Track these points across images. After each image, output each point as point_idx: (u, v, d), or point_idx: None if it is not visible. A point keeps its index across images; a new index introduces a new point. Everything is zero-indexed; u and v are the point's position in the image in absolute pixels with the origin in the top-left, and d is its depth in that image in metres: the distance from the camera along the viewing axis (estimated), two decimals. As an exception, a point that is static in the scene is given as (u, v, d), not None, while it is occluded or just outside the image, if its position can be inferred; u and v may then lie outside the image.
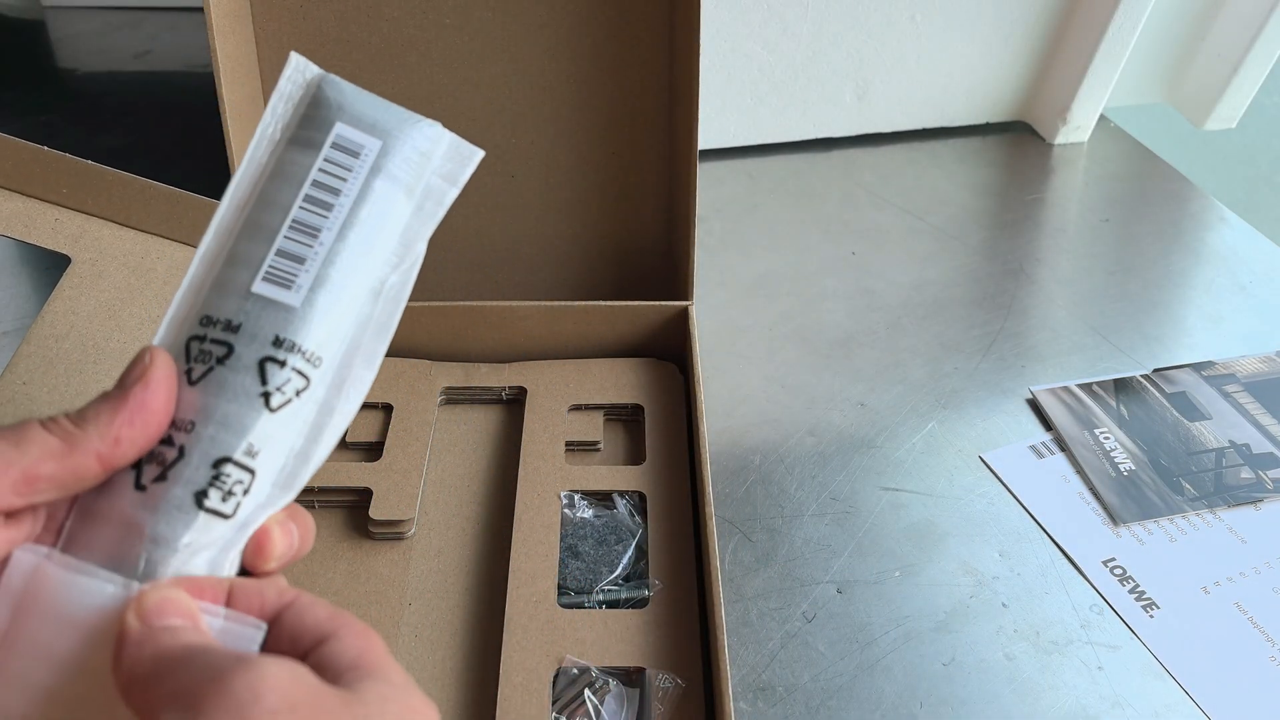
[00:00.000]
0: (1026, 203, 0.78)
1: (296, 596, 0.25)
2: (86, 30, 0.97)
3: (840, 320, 0.65)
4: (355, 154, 0.27)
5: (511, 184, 0.57)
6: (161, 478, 0.25)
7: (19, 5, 1.00)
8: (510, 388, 0.54)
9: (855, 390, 0.60)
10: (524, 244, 0.59)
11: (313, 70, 0.28)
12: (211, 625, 0.24)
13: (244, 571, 0.27)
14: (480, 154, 0.30)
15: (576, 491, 0.48)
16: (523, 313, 0.54)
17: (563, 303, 0.54)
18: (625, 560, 0.46)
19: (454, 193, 0.29)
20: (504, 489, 0.50)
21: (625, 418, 0.54)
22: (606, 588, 0.45)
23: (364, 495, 0.48)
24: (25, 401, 0.41)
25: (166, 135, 0.82)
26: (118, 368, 0.42)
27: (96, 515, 0.25)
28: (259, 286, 0.26)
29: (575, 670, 0.41)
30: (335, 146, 0.27)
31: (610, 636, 0.42)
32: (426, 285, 0.60)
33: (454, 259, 0.59)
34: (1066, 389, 0.59)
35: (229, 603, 0.25)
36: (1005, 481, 0.54)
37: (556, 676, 0.41)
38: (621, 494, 0.48)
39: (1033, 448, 0.56)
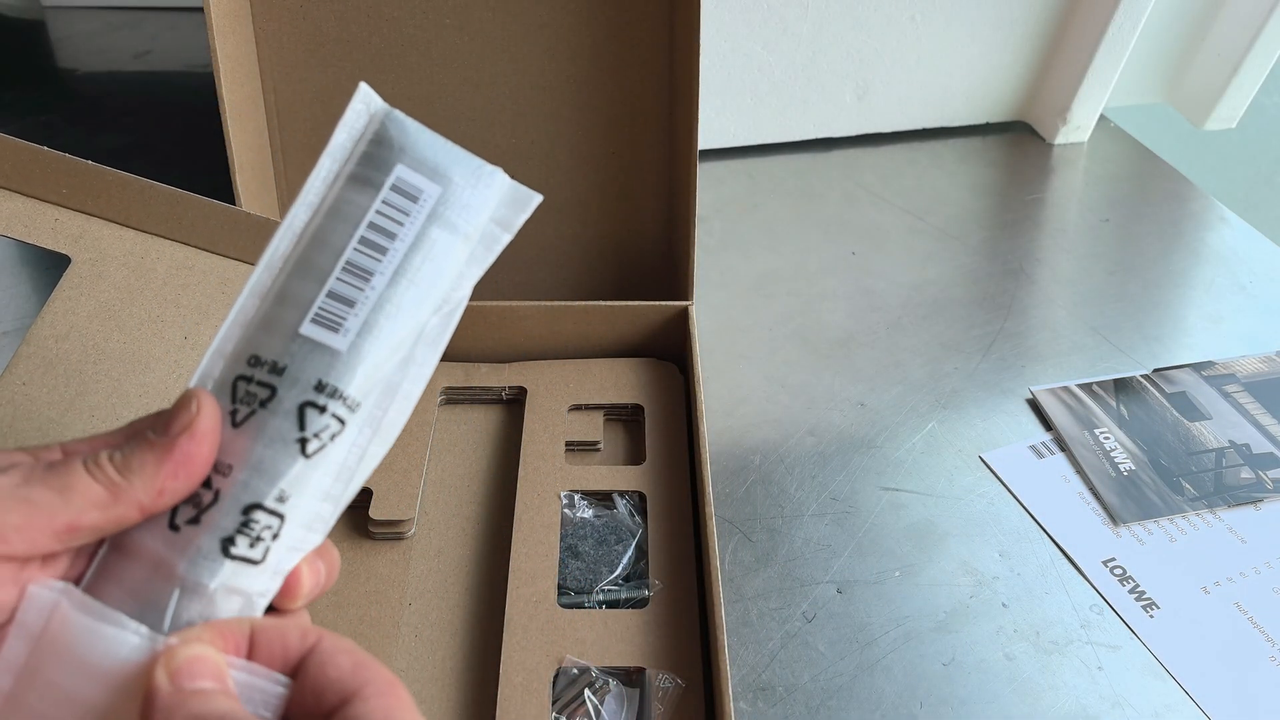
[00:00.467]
0: (1026, 203, 0.78)
1: (319, 640, 0.24)
2: (86, 30, 0.97)
3: (840, 320, 0.65)
4: (414, 198, 0.27)
5: (511, 184, 0.57)
6: (195, 520, 0.25)
7: (19, 5, 1.00)
8: (510, 388, 0.54)
9: (855, 390, 0.60)
10: (524, 244, 0.59)
11: (377, 103, 0.28)
12: (235, 679, 0.24)
13: (270, 607, 0.27)
14: (538, 199, 0.29)
15: (576, 491, 0.48)
16: (523, 313, 0.54)
17: (563, 303, 0.54)
18: (625, 560, 0.46)
19: (507, 238, 0.29)
20: (504, 489, 0.50)
21: (625, 418, 0.54)
22: (606, 588, 0.45)
23: (364, 495, 0.48)
24: (25, 402, 0.41)
25: (166, 135, 0.82)
26: (118, 368, 0.42)
27: (127, 552, 0.25)
28: (307, 329, 0.26)
29: (575, 670, 0.41)
30: (395, 189, 0.27)
31: (610, 636, 0.42)
32: (426, 285, 0.60)
33: (454, 259, 0.59)
34: (1066, 389, 0.59)
35: (251, 650, 0.24)
36: (1005, 481, 0.54)
37: (556, 676, 0.41)
38: (621, 494, 0.48)
39: (1033, 448, 0.56)
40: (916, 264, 0.71)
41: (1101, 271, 0.70)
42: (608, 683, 0.41)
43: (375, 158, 0.27)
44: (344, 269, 0.26)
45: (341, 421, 0.26)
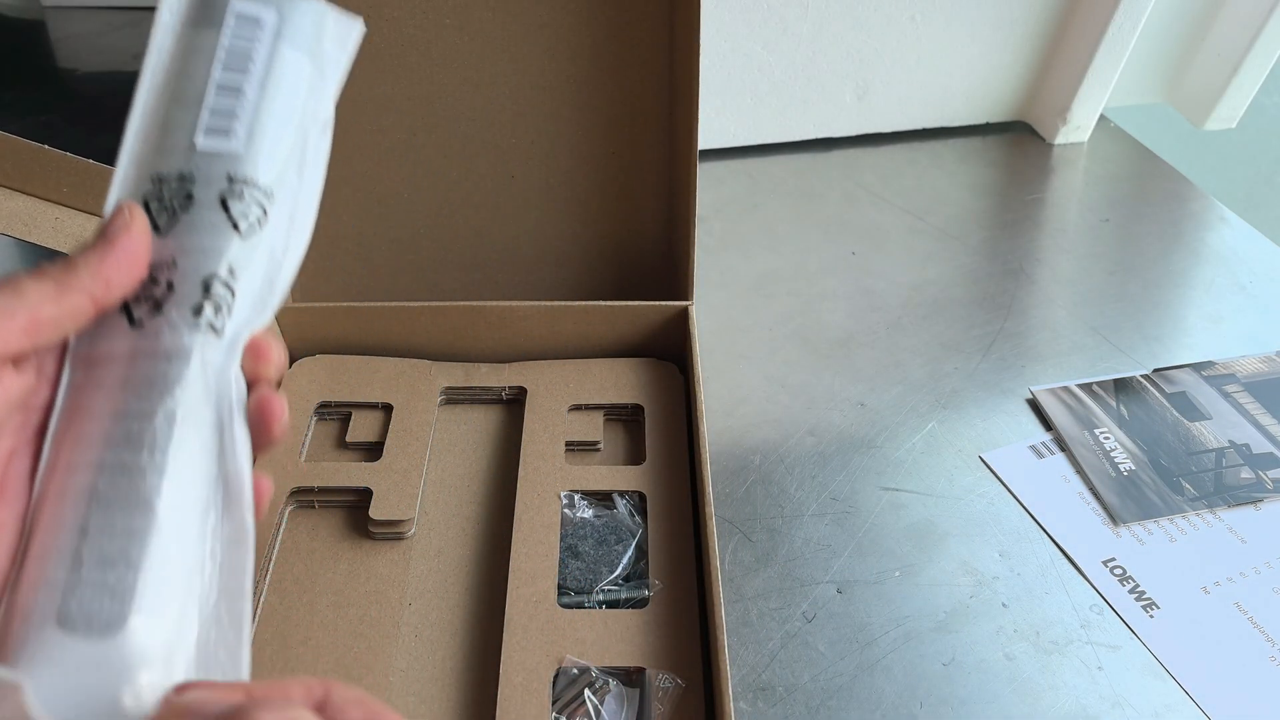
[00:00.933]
0: (1026, 203, 0.78)
1: (328, 693, 0.24)
2: (86, 30, 0.97)
3: (840, 320, 0.65)
4: (257, 23, 0.29)
5: (511, 184, 0.57)
6: (156, 309, 0.27)
7: (19, 5, 1.00)
8: (510, 388, 0.54)
9: (855, 390, 0.60)
10: (524, 244, 0.59)
11: None
12: None
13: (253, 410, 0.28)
14: (359, 23, 0.32)
15: (576, 491, 0.48)
16: (523, 313, 0.54)
17: (563, 303, 0.54)
18: (625, 560, 0.46)
19: (345, 60, 0.32)
20: (504, 489, 0.50)
21: (625, 418, 0.54)
22: (606, 588, 0.45)
23: (364, 495, 0.48)
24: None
25: (166, 135, 0.82)
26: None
27: (98, 361, 0.26)
28: (202, 141, 0.28)
29: (575, 670, 0.41)
30: (238, 19, 0.29)
31: (610, 636, 0.42)
32: (426, 285, 0.60)
33: (454, 259, 0.59)
34: (1066, 389, 0.59)
35: None
36: (1005, 481, 0.54)
37: (556, 676, 0.41)
38: (621, 494, 0.48)
39: (1033, 448, 0.56)
40: (916, 264, 0.71)
41: (1101, 271, 0.70)
42: (608, 683, 0.41)
43: (209, 1, 0.30)
44: (218, 89, 0.29)
45: (263, 208, 0.28)
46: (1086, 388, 0.60)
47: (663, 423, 0.52)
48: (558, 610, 0.43)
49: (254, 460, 0.28)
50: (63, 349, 0.27)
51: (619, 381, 0.54)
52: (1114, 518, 0.52)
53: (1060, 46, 0.81)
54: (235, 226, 0.28)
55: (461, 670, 0.42)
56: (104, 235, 0.27)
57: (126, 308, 0.27)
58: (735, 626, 0.46)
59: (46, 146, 0.51)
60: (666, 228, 0.59)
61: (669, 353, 0.56)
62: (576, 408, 0.53)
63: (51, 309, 0.25)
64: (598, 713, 0.40)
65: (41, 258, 0.62)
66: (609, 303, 0.54)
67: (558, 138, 0.56)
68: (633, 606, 0.44)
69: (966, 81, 0.82)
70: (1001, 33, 0.79)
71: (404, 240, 0.59)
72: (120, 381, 0.26)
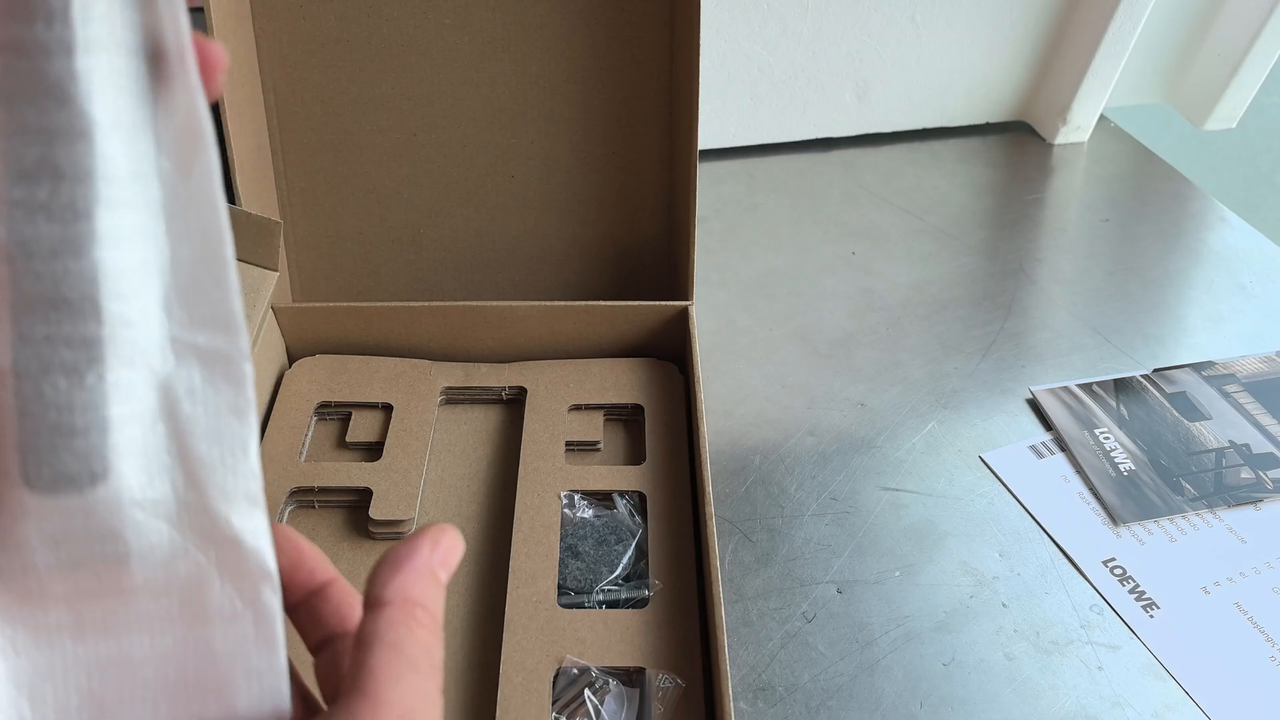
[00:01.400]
0: (1026, 203, 0.78)
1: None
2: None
3: (840, 320, 0.65)
4: None
5: (511, 184, 0.57)
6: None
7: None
8: (510, 388, 0.54)
9: (855, 390, 0.60)
10: (524, 244, 0.59)
11: None
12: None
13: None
14: None
15: (576, 491, 0.48)
16: (523, 313, 0.54)
17: (563, 303, 0.54)
18: (625, 560, 0.46)
19: None
20: (504, 489, 0.50)
21: (625, 418, 0.54)
22: (606, 588, 0.45)
23: (364, 495, 0.48)
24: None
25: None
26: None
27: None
28: None
29: (575, 670, 0.41)
30: None
31: (610, 636, 0.42)
32: (426, 285, 0.60)
33: (454, 259, 0.59)
34: (1066, 389, 0.59)
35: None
36: (1005, 481, 0.54)
37: (556, 676, 0.41)
38: (621, 494, 0.48)
39: (1033, 448, 0.56)
40: (916, 264, 0.71)
41: (1101, 271, 0.70)
42: (608, 683, 0.41)
43: None
44: None
45: None
46: (1086, 388, 0.60)
47: (663, 423, 0.52)
48: (558, 610, 0.43)
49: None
50: None
51: (619, 381, 0.54)
52: (1114, 518, 0.52)
53: (1060, 46, 0.81)
54: None
55: (461, 670, 0.42)
56: None
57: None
58: (735, 626, 0.46)
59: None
60: (666, 228, 0.59)
61: (669, 353, 0.56)
62: (576, 408, 0.53)
63: None
64: (598, 713, 0.40)
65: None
66: (609, 303, 0.54)
67: (558, 138, 0.56)
68: (633, 606, 0.44)
69: (966, 81, 0.82)
70: (1001, 33, 0.79)
71: (404, 240, 0.59)
72: None
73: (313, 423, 0.53)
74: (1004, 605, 0.48)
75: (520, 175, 0.57)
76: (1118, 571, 0.49)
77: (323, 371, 0.54)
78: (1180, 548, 0.50)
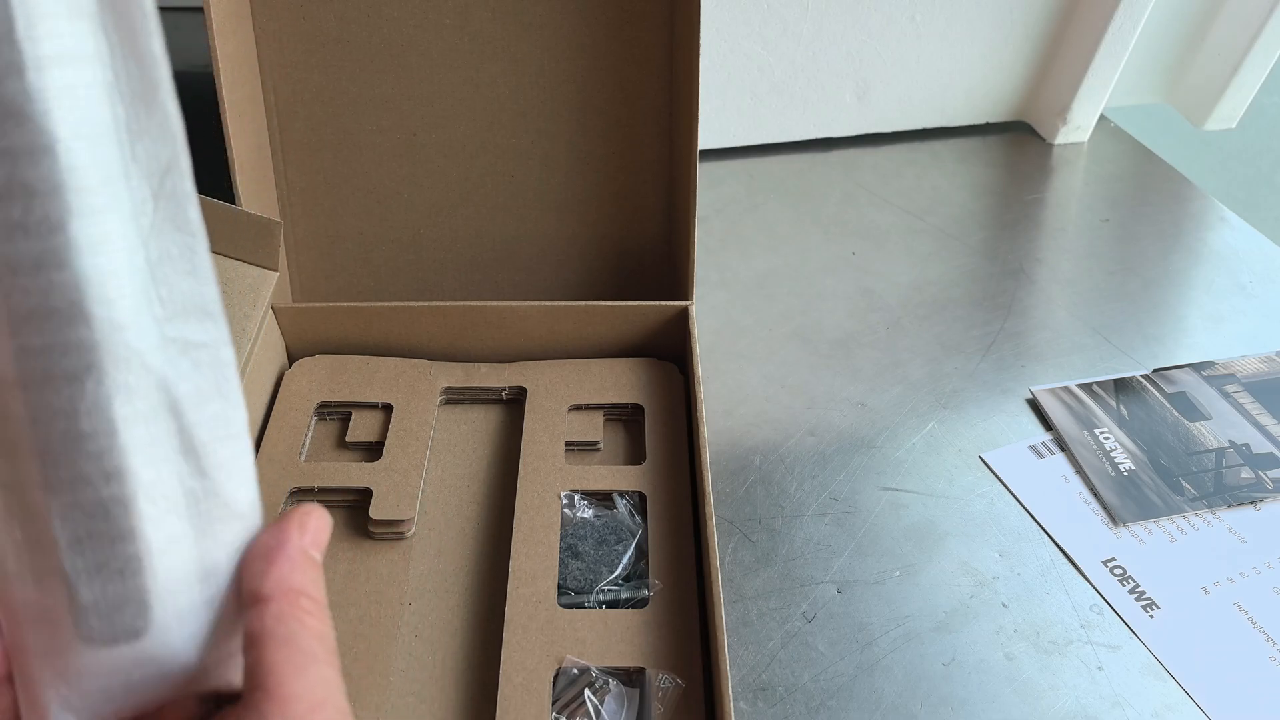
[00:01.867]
0: (1026, 203, 0.78)
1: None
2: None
3: (840, 320, 0.65)
4: None
5: (511, 184, 0.57)
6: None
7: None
8: (510, 388, 0.54)
9: (855, 390, 0.60)
10: (524, 244, 0.59)
11: None
12: None
13: None
14: None
15: (576, 491, 0.48)
16: (523, 313, 0.54)
17: (563, 303, 0.54)
18: (625, 560, 0.46)
19: None
20: (504, 489, 0.50)
21: (625, 418, 0.54)
22: (606, 588, 0.45)
23: (364, 495, 0.48)
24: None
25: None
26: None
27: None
28: None
29: (575, 670, 0.41)
30: None
31: (610, 636, 0.42)
32: (426, 285, 0.60)
33: (454, 259, 0.59)
34: (1066, 389, 0.59)
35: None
36: (1005, 481, 0.54)
37: (556, 676, 0.41)
38: (621, 494, 0.48)
39: (1033, 448, 0.56)
40: (916, 264, 0.71)
41: (1101, 271, 0.70)
42: (608, 683, 0.41)
43: None
44: None
45: None
46: (1086, 388, 0.60)
47: (663, 423, 0.52)
48: (558, 610, 0.43)
49: None
50: None
51: (619, 381, 0.54)
52: (1114, 518, 0.52)
53: (1060, 46, 0.81)
54: None
55: (461, 670, 0.42)
56: None
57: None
58: (735, 626, 0.46)
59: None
60: (666, 228, 0.59)
61: (669, 353, 0.56)
62: (576, 408, 0.53)
63: None
64: (598, 713, 0.40)
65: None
66: (609, 303, 0.54)
67: (558, 138, 0.56)
68: (633, 606, 0.44)
69: (966, 81, 0.82)
70: (1001, 33, 0.79)
71: (404, 240, 0.59)
72: None
73: (313, 423, 0.53)
74: (1004, 605, 0.48)
75: (520, 175, 0.57)
76: (1118, 571, 0.49)
77: (323, 371, 0.54)
78: (1180, 548, 0.50)
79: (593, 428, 0.52)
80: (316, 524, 0.25)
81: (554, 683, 0.40)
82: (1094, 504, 0.53)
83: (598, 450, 0.52)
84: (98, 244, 0.21)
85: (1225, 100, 0.83)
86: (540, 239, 0.59)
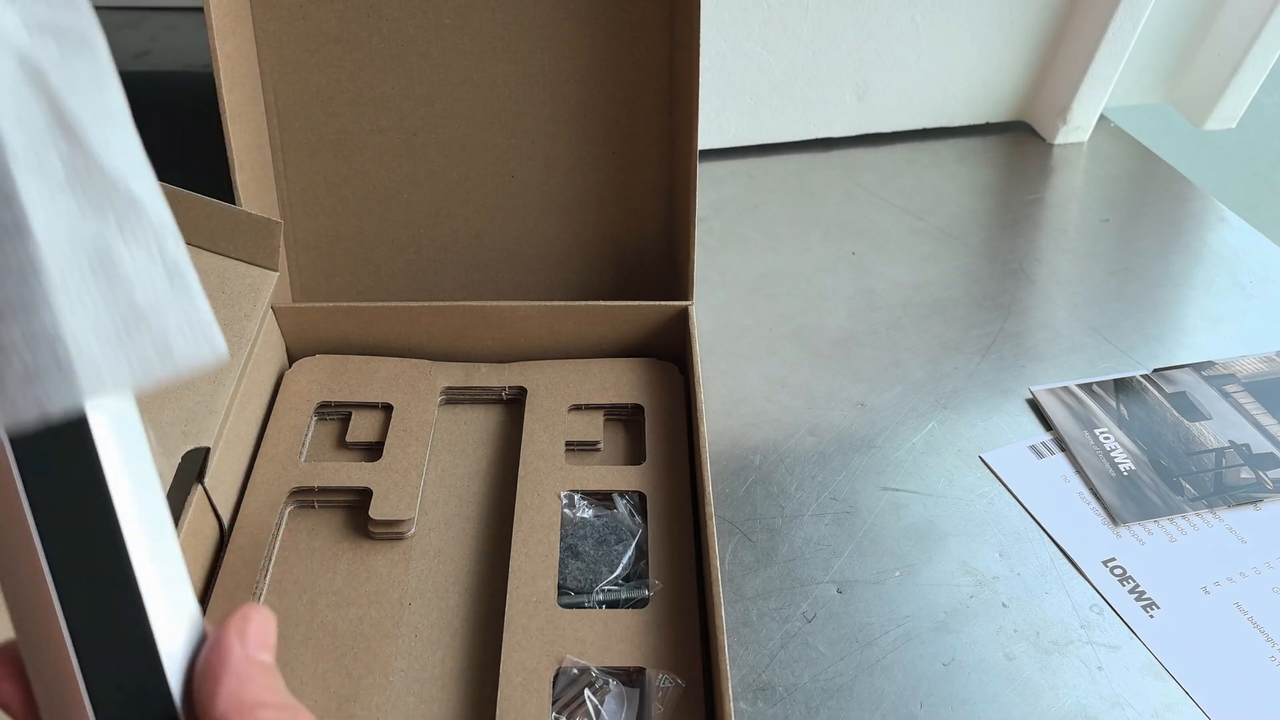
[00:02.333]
0: (1026, 203, 0.78)
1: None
2: (86, 30, 0.97)
3: (840, 320, 0.65)
4: None
5: (511, 184, 0.57)
6: None
7: (19, 5, 1.00)
8: (510, 388, 0.54)
9: (855, 390, 0.60)
10: (524, 244, 0.59)
11: None
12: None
13: None
14: None
15: (576, 491, 0.48)
16: (523, 313, 0.54)
17: (563, 303, 0.54)
18: (625, 560, 0.46)
19: None
20: (504, 489, 0.50)
21: (625, 418, 0.54)
22: (606, 588, 0.45)
23: (364, 495, 0.48)
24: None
25: (166, 135, 0.82)
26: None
27: None
28: None
29: (575, 670, 0.41)
30: None
31: (610, 636, 0.42)
32: (426, 285, 0.60)
33: (454, 259, 0.59)
34: (1066, 389, 0.59)
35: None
36: (1005, 481, 0.54)
37: (556, 676, 0.41)
38: (621, 494, 0.48)
39: (1033, 448, 0.56)
40: (916, 264, 0.71)
41: (1101, 271, 0.70)
42: (608, 683, 0.41)
43: None
44: None
45: None
46: (1086, 388, 0.60)
47: (663, 423, 0.52)
48: (558, 610, 0.43)
49: None
50: None
51: (619, 381, 0.54)
52: (1114, 518, 0.52)
53: (1060, 46, 0.81)
54: None
55: (461, 670, 0.42)
56: None
57: None
58: (735, 626, 0.46)
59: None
60: (666, 228, 0.59)
61: (669, 353, 0.56)
62: (576, 408, 0.53)
63: None
64: (598, 713, 0.40)
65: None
66: (609, 303, 0.54)
67: (558, 138, 0.56)
68: (633, 606, 0.44)
69: (966, 81, 0.82)
70: (1001, 33, 0.79)
71: (404, 240, 0.59)
72: None
73: (313, 423, 0.53)
74: (1004, 605, 0.48)
75: (520, 175, 0.57)
76: (1118, 571, 0.49)
77: (323, 371, 0.54)
78: (1180, 548, 0.50)
79: (593, 428, 0.52)
80: (257, 626, 0.24)
81: (554, 683, 0.40)
82: (1094, 504, 0.53)
83: (598, 450, 0.52)
84: None
85: (1225, 100, 0.83)
86: (540, 239, 0.59)
